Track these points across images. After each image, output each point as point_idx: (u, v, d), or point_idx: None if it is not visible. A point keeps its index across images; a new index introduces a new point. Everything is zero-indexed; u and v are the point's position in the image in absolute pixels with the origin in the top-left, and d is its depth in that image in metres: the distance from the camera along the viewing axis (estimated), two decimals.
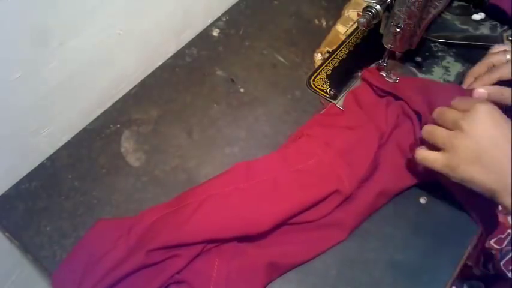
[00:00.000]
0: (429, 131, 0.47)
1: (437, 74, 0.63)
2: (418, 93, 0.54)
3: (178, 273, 0.44)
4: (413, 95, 0.54)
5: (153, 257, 0.44)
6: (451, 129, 0.45)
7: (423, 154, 0.47)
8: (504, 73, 0.52)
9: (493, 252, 1.07)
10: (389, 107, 0.56)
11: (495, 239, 1.10)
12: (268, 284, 0.46)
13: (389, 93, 0.57)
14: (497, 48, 0.56)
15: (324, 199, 0.49)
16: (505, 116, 0.44)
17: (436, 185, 0.52)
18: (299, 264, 0.48)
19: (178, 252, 0.45)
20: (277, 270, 0.47)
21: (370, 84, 0.59)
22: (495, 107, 0.44)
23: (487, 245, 1.07)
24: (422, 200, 0.52)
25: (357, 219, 0.50)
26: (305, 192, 0.48)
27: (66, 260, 0.47)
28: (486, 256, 1.03)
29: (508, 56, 0.54)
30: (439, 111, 0.47)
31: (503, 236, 1.11)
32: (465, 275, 0.99)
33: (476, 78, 0.55)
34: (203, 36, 0.68)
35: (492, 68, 0.54)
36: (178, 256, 0.44)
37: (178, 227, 0.45)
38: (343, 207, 0.50)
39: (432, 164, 0.46)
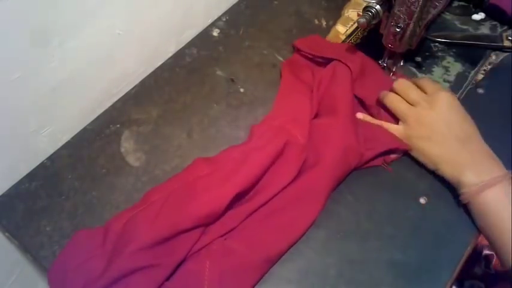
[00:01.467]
0: (391, 100, 0.55)
1: (437, 74, 0.63)
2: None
3: (167, 280, 0.44)
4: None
5: (138, 260, 0.43)
6: (411, 104, 0.53)
7: (386, 125, 0.55)
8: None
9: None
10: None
11: None
12: (261, 277, 0.46)
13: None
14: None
15: (279, 157, 0.49)
16: (461, 105, 0.52)
17: (436, 185, 0.52)
18: (288, 249, 0.48)
19: (162, 261, 0.43)
20: (268, 262, 0.46)
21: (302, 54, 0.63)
22: (454, 95, 0.52)
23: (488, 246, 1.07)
24: (422, 200, 0.52)
25: (328, 183, 0.49)
26: (260, 154, 0.49)
27: (48, 274, 0.46)
28: (487, 255, 1.03)
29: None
30: (403, 85, 0.54)
31: None
32: (466, 274, 0.99)
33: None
34: (203, 36, 0.68)
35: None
36: (161, 266, 0.43)
37: (151, 224, 0.44)
38: (308, 172, 0.50)
39: (393, 131, 0.54)
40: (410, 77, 0.62)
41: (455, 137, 0.49)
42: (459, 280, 0.95)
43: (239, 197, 0.48)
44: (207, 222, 0.46)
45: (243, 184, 0.46)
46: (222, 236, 0.47)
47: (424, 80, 0.55)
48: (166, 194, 0.47)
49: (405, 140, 0.53)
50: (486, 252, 0.98)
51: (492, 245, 0.47)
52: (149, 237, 0.43)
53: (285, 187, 0.49)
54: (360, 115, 0.56)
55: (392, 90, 0.56)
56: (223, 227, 0.47)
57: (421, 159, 0.53)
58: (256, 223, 0.48)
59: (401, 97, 0.54)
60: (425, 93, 0.53)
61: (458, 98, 0.58)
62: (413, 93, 0.53)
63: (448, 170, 0.50)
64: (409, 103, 0.53)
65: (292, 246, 0.48)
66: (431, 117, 0.51)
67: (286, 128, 0.54)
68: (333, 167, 0.50)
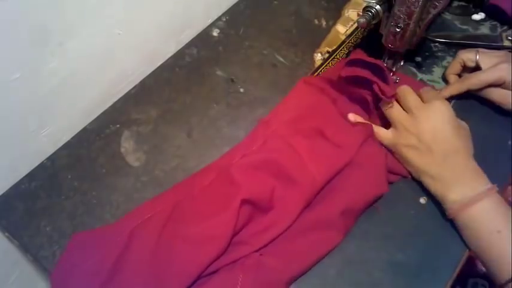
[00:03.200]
0: (389, 107, 0.54)
1: (437, 74, 0.63)
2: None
3: None
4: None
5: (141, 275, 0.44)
6: (406, 111, 0.52)
7: (375, 129, 0.54)
8: (473, 83, 0.54)
9: None
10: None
11: None
12: None
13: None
14: (457, 61, 0.58)
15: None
16: (454, 117, 0.50)
17: None
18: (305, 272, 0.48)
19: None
20: (296, 278, 0.47)
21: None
22: (449, 106, 0.50)
23: None
24: (422, 200, 0.52)
25: (346, 217, 0.49)
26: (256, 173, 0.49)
27: (51, 277, 0.46)
28: None
29: (478, 57, 0.55)
30: (404, 91, 0.53)
31: None
32: (469, 272, 0.98)
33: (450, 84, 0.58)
34: (203, 36, 0.68)
35: (462, 78, 0.56)
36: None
37: (156, 240, 0.46)
38: (338, 195, 0.49)
39: (381, 138, 0.54)
40: (410, 77, 0.62)
41: (441, 151, 0.48)
42: (462, 278, 0.94)
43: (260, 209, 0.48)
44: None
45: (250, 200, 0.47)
46: (257, 251, 0.47)
47: (426, 90, 0.54)
48: (171, 206, 0.48)
49: (392, 146, 0.52)
50: None
51: (480, 260, 0.46)
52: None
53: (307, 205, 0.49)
54: (351, 116, 0.56)
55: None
56: (256, 241, 0.47)
57: (406, 166, 0.52)
58: (290, 241, 0.48)
59: (399, 103, 0.53)
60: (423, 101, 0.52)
61: (459, 98, 0.58)
62: (410, 99, 0.52)
63: (431, 184, 0.49)
64: (405, 110, 0.52)
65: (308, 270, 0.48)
66: (420, 127, 0.50)
67: (288, 142, 0.52)
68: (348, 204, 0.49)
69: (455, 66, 0.58)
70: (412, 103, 0.51)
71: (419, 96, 0.53)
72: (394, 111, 0.53)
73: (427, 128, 0.49)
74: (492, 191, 0.46)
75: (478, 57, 0.55)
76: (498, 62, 0.54)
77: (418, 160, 0.50)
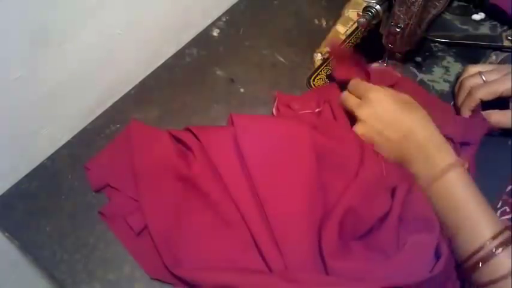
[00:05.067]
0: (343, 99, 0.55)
1: (437, 74, 0.63)
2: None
3: None
4: None
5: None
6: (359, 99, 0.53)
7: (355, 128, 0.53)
8: (483, 95, 0.53)
9: None
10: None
11: None
12: None
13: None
14: (468, 72, 0.58)
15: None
16: (394, 98, 0.50)
17: None
18: None
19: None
20: None
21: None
22: (383, 91, 0.51)
23: None
24: None
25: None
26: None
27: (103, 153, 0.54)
28: None
29: (484, 78, 0.55)
30: (344, 95, 0.55)
31: None
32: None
33: (461, 105, 0.56)
34: (203, 36, 0.68)
35: (471, 90, 0.55)
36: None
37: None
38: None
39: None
40: (411, 77, 0.62)
41: (396, 136, 0.49)
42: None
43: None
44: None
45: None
46: None
47: (354, 86, 0.55)
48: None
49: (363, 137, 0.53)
50: None
51: (447, 231, 0.46)
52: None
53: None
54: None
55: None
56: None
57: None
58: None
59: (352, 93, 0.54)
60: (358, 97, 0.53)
61: None
62: (348, 103, 0.54)
63: (406, 166, 0.50)
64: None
65: None
66: (368, 123, 0.51)
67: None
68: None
69: (462, 94, 0.57)
70: (351, 103, 0.53)
71: (350, 91, 0.54)
72: (348, 102, 0.54)
73: (372, 122, 0.50)
74: (458, 163, 0.46)
75: (484, 78, 0.55)
76: (505, 74, 0.53)
77: (384, 153, 0.50)
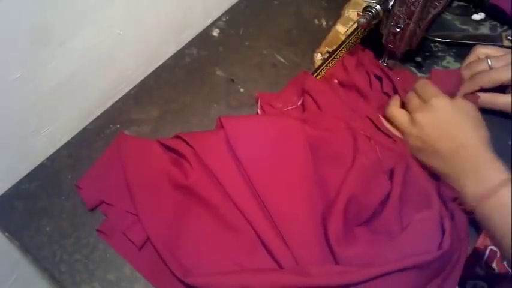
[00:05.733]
0: (390, 115, 0.54)
1: None
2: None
3: None
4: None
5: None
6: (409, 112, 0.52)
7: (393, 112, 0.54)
8: (484, 82, 0.54)
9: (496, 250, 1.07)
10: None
11: None
12: None
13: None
14: (476, 53, 0.57)
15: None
16: (457, 109, 0.49)
17: None
18: None
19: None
20: None
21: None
22: (448, 100, 0.50)
23: (490, 245, 1.07)
24: None
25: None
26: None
27: (92, 170, 0.52)
28: (489, 254, 1.03)
29: (490, 63, 0.55)
30: (409, 93, 0.53)
31: None
32: (468, 274, 0.98)
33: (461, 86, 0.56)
34: (203, 36, 0.68)
35: (474, 75, 0.55)
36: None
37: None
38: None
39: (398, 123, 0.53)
40: (409, 71, 0.62)
41: (448, 149, 0.48)
42: (461, 280, 0.95)
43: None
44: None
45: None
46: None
47: (422, 85, 0.53)
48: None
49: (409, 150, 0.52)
50: (489, 249, 0.98)
51: (500, 250, 0.45)
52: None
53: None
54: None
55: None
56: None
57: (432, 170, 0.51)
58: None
59: (402, 105, 0.54)
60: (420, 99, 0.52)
61: None
62: (411, 101, 0.53)
63: (449, 181, 0.48)
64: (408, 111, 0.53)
65: None
66: (421, 129, 0.50)
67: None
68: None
69: (465, 75, 0.57)
70: (414, 104, 0.52)
71: (416, 91, 0.53)
72: (397, 118, 0.53)
73: (428, 130, 0.49)
74: (510, 180, 0.44)
75: (490, 63, 0.54)
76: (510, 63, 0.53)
77: (427, 161, 0.50)
